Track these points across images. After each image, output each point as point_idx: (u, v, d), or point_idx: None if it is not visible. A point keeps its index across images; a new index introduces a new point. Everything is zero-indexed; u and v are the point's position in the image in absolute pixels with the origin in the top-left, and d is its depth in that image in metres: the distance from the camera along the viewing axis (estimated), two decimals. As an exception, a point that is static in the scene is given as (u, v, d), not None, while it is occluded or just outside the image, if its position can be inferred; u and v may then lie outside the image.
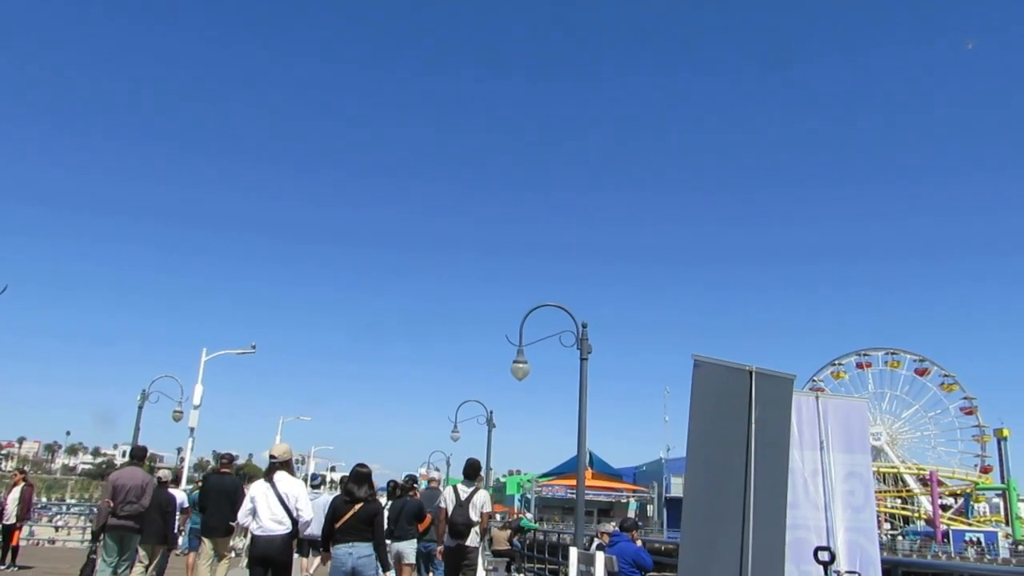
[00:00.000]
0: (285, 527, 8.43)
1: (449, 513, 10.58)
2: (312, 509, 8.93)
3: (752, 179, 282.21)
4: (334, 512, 8.34)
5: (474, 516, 10.53)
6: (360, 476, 8.52)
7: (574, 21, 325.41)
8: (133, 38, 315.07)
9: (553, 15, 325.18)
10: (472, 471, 11.24)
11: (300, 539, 9.57)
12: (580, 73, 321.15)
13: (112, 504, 10.40)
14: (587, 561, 10.36)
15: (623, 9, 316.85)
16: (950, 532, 72.70)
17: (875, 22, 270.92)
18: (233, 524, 10.91)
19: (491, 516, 12.29)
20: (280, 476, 8.68)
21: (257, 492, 8.56)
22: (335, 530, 8.20)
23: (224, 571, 11.47)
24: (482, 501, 10.77)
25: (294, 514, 8.46)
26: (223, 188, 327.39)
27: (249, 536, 8.85)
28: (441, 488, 12.84)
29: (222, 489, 11.53)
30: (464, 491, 10.70)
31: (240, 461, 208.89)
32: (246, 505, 8.73)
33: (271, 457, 9.19)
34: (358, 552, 8.09)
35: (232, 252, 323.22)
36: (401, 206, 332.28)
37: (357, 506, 8.20)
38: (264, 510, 8.42)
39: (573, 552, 11.20)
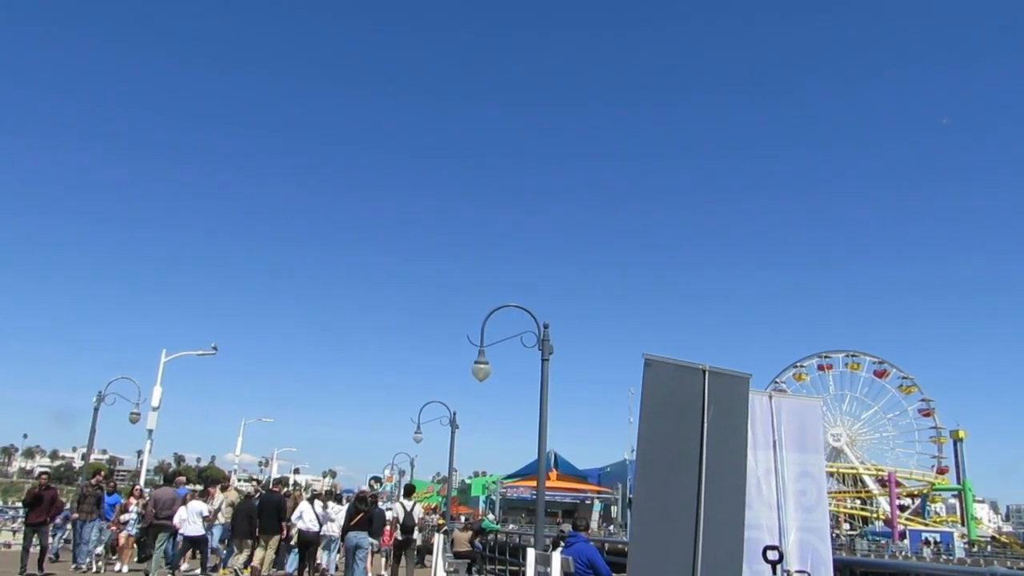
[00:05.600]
0: (316, 526, 16.52)
1: (401, 519, 16.80)
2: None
3: (716, 188, 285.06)
4: (350, 515, 15.49)
5: (415, 520, 17.19)
6: (363, 499, 16.01)
7: (541, 47, 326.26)
8: (119, 37, 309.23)
9: (525, 39, 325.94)
10: (409, 491, 19.24)
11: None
12: (546, 91, 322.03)
13: (154, 511, 16.05)
14: (544, 562, 10.28)
15: (588, 35, 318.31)
16: (907, 532, 73.76)
17: (832, 48, 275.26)
18: (283, 526, 16.64)
19: (421, 519, 19.85)
20: (316, 501, 17.16)
21: (303, 507, 16.59)
22: (351, 525, 15.20)
23: (271, 557, 16.73)
24: (418, 511, 18.09)
25: (322, 520, 16.68)
26: (185, 190, 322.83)
27: (297, 531, 16.59)
28: (383, 500, 20.03)
29: (272, 502, 16.62)
30: (407, 504, 17.13)
31: (203, 463, 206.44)
32: (296, 514, 16.45)
33: (313, 490, 18.96)
34: (360, 537, 15.13)
35: (193, 254, 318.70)
36: (364, 210, 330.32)
37: (362, 514, 15.30)
38: (307, 516, 16.42)
39: (531, 553, 11.12)
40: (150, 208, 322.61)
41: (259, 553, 16.40)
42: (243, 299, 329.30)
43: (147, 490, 22.89)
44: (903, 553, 58.24)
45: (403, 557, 16.97)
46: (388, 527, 18.95)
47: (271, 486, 18.29)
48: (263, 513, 16.39)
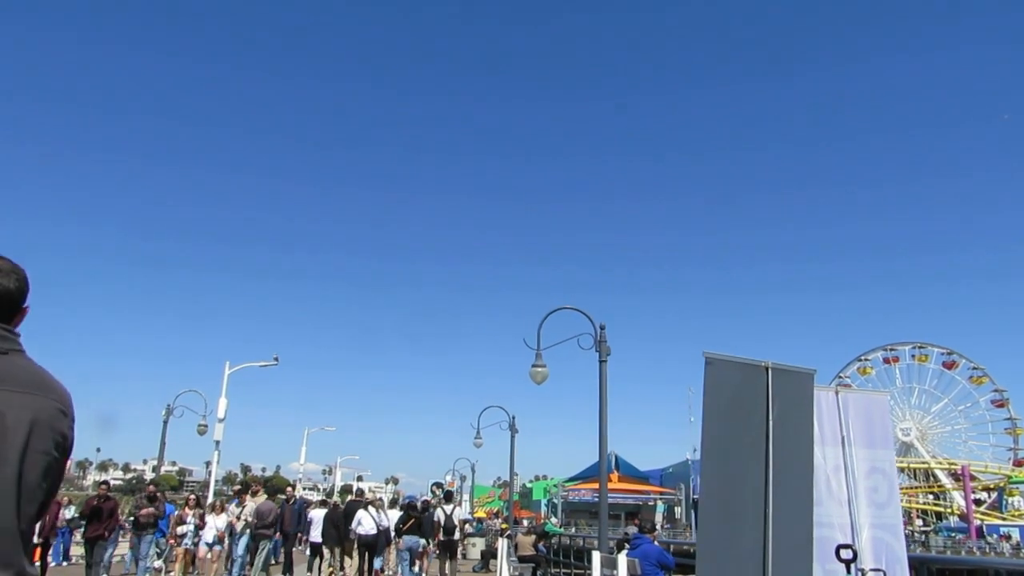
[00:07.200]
0: (375, 530, 17.81)
1: (442, 523, 18.94)
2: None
3: (776, 178, 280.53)
4: (404, 521, 17.99)
5: (455, 522, 19.37)
6: (413, 506, 18.52)
7: (586, 31, 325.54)
8: (145, 47, 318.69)
9: (565, 24, 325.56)
10: (450, 497, 21.66)
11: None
12: (591, 81, 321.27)
13: (257, 521, 17.05)
14: (610, 565, 10.26)
15: (636, 22, 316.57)
16: (984, 527, 71.45)
17: (885, 24, 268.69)
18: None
19: (464, 523, 23.51)
20: (370, 508, 18.24)
21: (361, 514, 17.84)
22: (406, 529, 17.73)
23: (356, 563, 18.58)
24: (459, 515, 20.38)
25: (380, 525, 17.94)
26: (245, 203, 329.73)
27: (356, 535, 17.84)
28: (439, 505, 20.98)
29: (354, 511, 18.35)
30: (448, 509, 19.33)
31: (268, 473, 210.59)
32: (355, 520, 17.73)
33: (366, 499, 19.44)
34: (414, 539, 17.63)
35: (254, 266, 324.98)
36: (420, 217, 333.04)
37: (414, 519, 17.81)
38: (366, 522, 17.71)
39: (596, 556, 11.11)
40: (211, 221, 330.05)
41: (347, 560, 18.55)
42: (304, 309, 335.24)
43: (215, 499, 23.30)
44: (986, 549, 56.31)
45: (448, 556, 19.19)
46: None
47: (356, 496, 21.12)
48: (347, 521, 18.26)
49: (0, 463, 1.93)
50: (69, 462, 2.25)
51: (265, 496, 19.51)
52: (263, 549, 17.29)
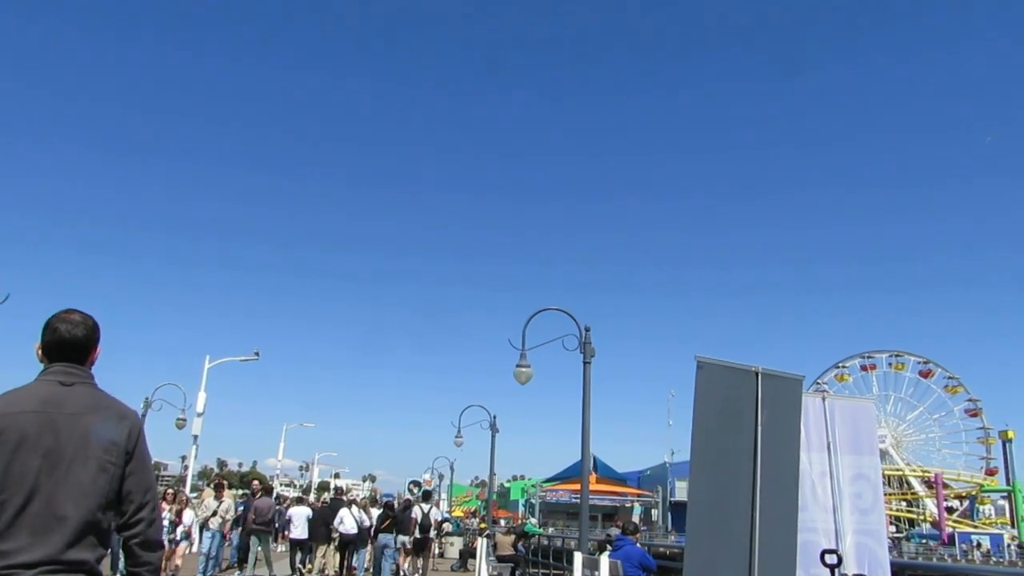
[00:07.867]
0: (356, 529, 18.39)
1: (419, 521, 18.98)
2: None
3: (755, 181, 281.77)
4: (382, 520, 18.16)
5: (431, 521, 19.71)
6: (391, 505, 18.94)
7: (573, 27, 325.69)
8: (135, 42, 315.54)
9: (551, 22, 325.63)
10: (428, 496, 21.89)
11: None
12: (579, 79, 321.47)
13: (254, 517, 17.37)
14: (591, 566, 10.29)
15: (618, 17, 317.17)
16: (955, 534, 72.35)
17: (876, 24, 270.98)
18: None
19: (443, 522, 25.01)
20: (352, 507, 18.86)
21: (343, 512, 18.51)
22: (383, 527, 17.92)
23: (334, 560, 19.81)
24: (435, 514, 20.86)
25: (361, 524, 18.48)
26: (225, 195, 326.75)
27: (339, 533, 18.64)
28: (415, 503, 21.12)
29: (336, 509, 19.04)
30: (425, 508, 19.55)
31: (245, 468, 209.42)
32: (337, 519, 18.41)
33: (351, 498, 21.12)
34: (388, 538, 17.77)
35: (235, 259, 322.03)
36: (403, 212, 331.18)
37: (390, 519, 18.01)
38: (347, 520, 18.40)
39: (578, 557, 11.13)
40: (191, 214, 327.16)
41: (329, 556, 19.34)
42: (284, 304, 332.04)
43: (191, 495, 23.13)
44: (957, 556, 57.11)
45: (422, 553, 19.95)
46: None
47: (336, 495, 21.94)
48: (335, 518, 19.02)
49: (53, 466, 2.54)
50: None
51: (243, 492, 19.45)
52: (262, 547, 17.37)
